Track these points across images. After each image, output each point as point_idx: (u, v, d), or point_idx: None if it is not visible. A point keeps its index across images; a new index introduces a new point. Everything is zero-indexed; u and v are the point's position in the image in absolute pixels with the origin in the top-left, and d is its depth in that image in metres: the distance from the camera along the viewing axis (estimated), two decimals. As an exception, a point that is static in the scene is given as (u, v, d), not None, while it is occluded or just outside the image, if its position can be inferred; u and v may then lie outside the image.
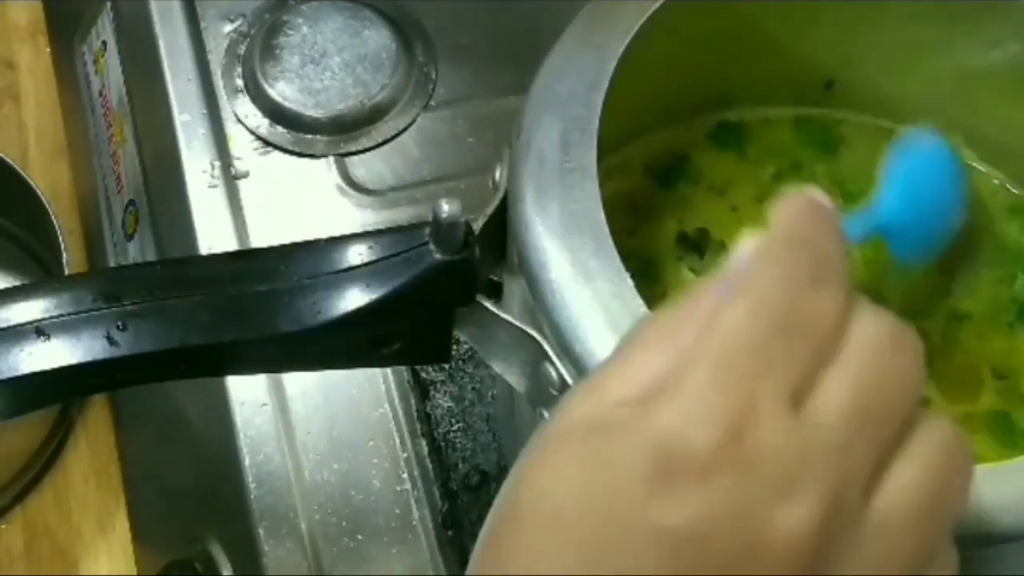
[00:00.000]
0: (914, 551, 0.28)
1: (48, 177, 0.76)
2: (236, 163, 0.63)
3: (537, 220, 0.39)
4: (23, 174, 0.68)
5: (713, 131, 0.53)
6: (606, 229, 0.38)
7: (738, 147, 0.52)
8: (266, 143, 0.64)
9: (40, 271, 0.72)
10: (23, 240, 0.73)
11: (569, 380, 0.38)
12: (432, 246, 0.40)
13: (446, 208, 0.38)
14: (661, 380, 0.28)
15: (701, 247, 0.49)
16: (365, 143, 0.64)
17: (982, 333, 0.49)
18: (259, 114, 0.65)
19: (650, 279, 0.49)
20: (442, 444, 0.55)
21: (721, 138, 0.52)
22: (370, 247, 0.40)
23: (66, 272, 0.64)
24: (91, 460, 0.68)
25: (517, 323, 0.40)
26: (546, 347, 0.38)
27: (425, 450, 0.55)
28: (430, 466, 0.55)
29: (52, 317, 0.38)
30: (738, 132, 0.53)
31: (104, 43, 0.73)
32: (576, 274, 0.38)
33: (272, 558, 0.53)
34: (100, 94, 0.73)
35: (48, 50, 0.82)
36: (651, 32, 0.43)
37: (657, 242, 0.50)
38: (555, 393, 0.39)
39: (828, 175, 0.52)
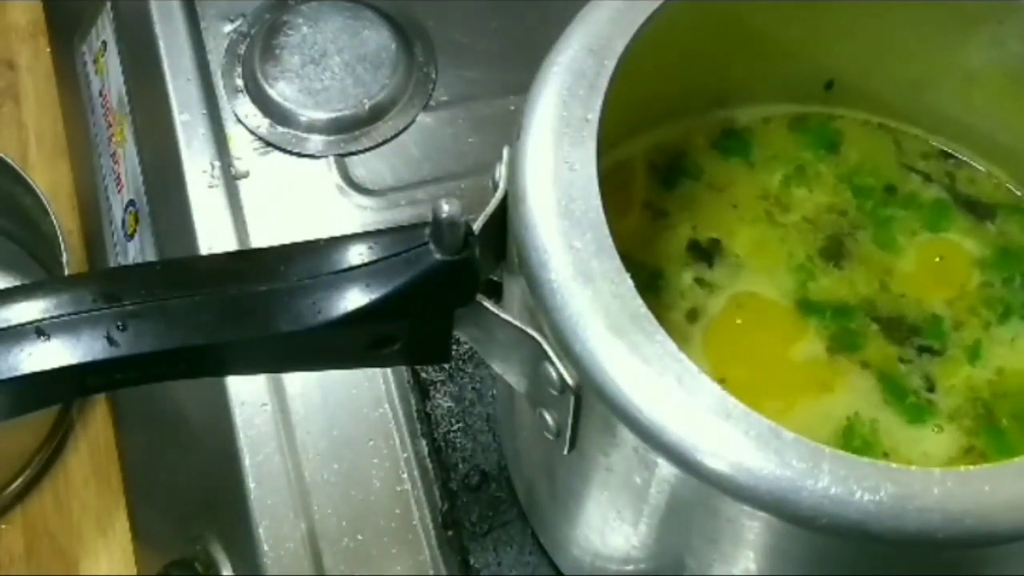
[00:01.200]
0: None
1: (48, 177, 0.76)
2: (236, 163, 0.63)
3: (537, 220, 0.39)
4: (23, 174, 0.68)
5: (717, 138, 0.53)
6: (606, 229, 0.38)
7: (743, 154, 0.52)
8: (266, 143, 0.64)
9: (40, 271, 0.72)
10: (23, 240, 0.73)
11: (569, 380, 0.38)
12: (432, 246, 0.40)
13: (446, 208, 0.38)
14: None
15: (711, 256, 0.50)
16: (365, 143, 0.64)
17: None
18: (259, 114, 0.65)
19: (656, 287, 0.49)
20: (442, 444, 0.55)
21: (725, 146, 0.53)
22: (370, 247, 0.40)
23: (66, 272, 0.64)
24: (91, 460, 0.68)
25: (517, 323, 0.40)
26: (546, 347, 0.38)
27: (425, 450, 0.55)
28: (430, 466, 0.55)
29: (52, 317, 0.38)
30: (742, 138, 0.53)
31: (104, 43, 0.73)
32: (576, 274, 0.38)
33: (272, 558, 0.53)
34: (100, 94, 0.73)
35: (48, 50, 0.82)
36: (651, 32, 0.43)
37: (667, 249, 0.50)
38: (555, 393, 0.39)
39: (833, 173, 0.52)
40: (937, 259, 0.51)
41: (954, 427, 0.46)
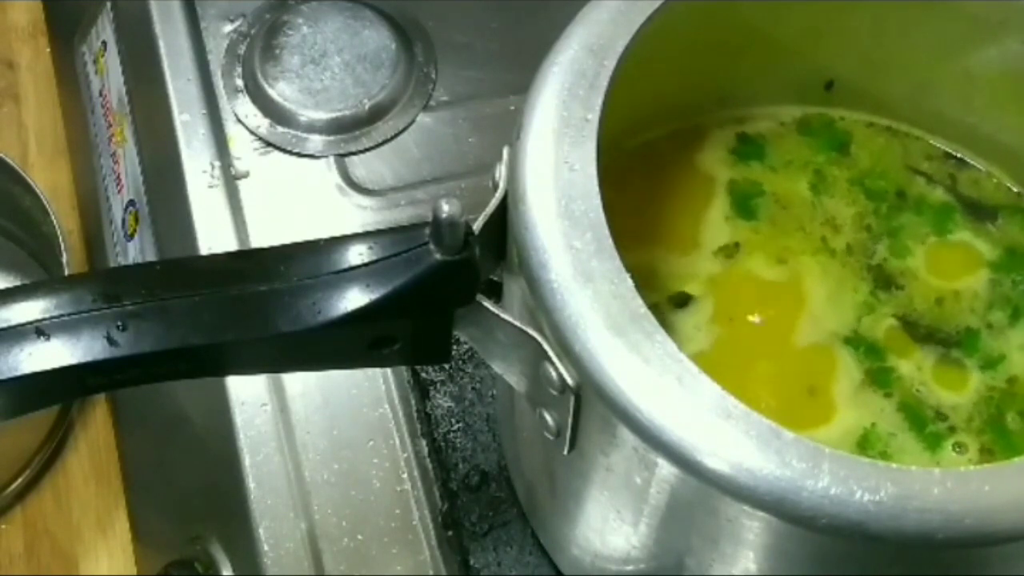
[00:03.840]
0: None
1: (48, 177, 0.76)
2: (236, 163, 0.63)
3: (537, 220, 0.39)
4: (23, 174, 0.68)
5: (735, 146, 0.53)
6: (606, 230, 0.38)
7: (759, 157, 0.52)
8: (266, 143, 0.64)
9: (40, 271, 0.72)
10: (23, 240, 0.73)
11: (569, 380, 0.38)
12: (432, 246, 0.40)
13: (446, 208, 0.38)
14: None
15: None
16: (365, 143, 0.64)
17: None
18: (259, 114, 0.65)
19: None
20: (442, 444, 0.55)
21: (743, 152, 0.52)
22: (370, 247, 0.40)
23: (66, 272, 0.64)
24: (91, 460, 0.68)
25: (517, 323, 0.40)
26: (546, 347, 0.38)
27: (425, 450, 0.55)
28: (430, 466, 0.55)
29: (52, 317, 0.38)
30: (758, 145, 0.53)
31: (104, 43, 0.73)
32: (576, 274, 0.38)
33: (272, 558, 0.53)
34: (100, 94, 0.73)
35: (48, 50, 0.82)
36: (651, 32, 0.43)
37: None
38: (555, 393, 0.39)
39: (847, 179, 0.52)
40: (954, 264, 0.50)
41: (972, 440, 0.46)
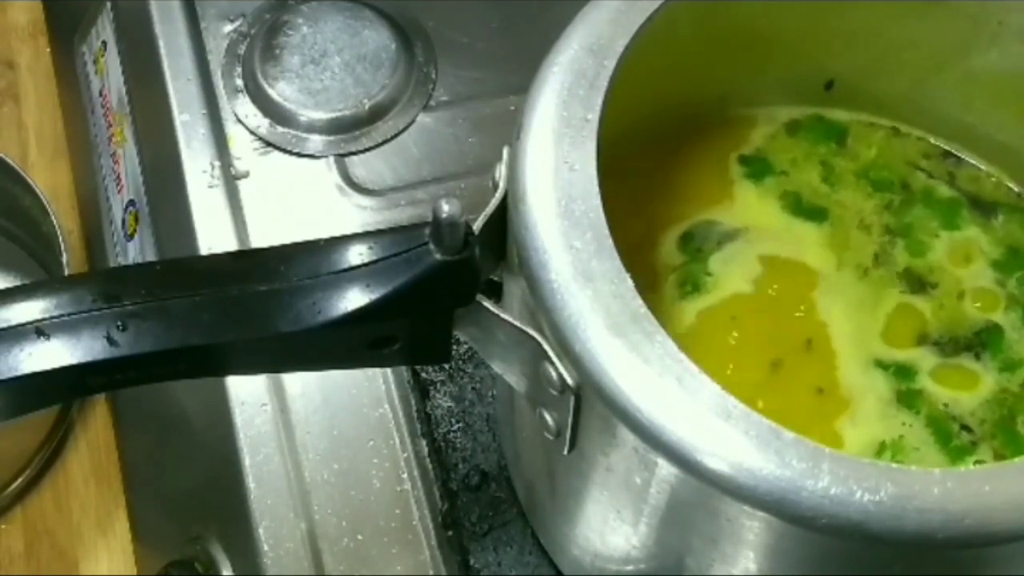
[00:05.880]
0: None
1: (48, 177, 0.76)
2: (236, 163, 0.63)
3: (537, 220, 0.39)
4: (23, 174, 0.68)
5: (740, 169, 0.53)
6: (606, 229, 0.38)
7: (770, 172, 0.52)
8: (266, 143, 0.64)
9: (40, 271, 0.72)
10: (23, 240, 0.73)
11: (569, 380, 0.38)
12: (432, 246, 0.40)
13: (446, 208, 0.38)
14: None
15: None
16: (365, 143, 0.64)
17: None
18: (259, 114, 0.65)
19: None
20: (442, 444, 0.55)
21: (749, 173, 0.52)
22: (370, 247, 0.40)
23: (66, 272, 0.64)
24: (91, 460, 0.68)
25: (517, 323, 0.40)
26: (546, 347, 0.38)
27: (425, 450, 0.55)
28: (430, 466, 0.55)
29: (52, 317, 0.38)
30: (761, 160, 0.53)
31: (104, 43, 0.73)
32: (576, 274, 0.38)
33: (272, 558, 0.53)
34: (100, 94, 0.73)
35: (48, 50, 0.82)
36: (651, 32, 0.43)
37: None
38: (555, 393, 0.39)
39: (851, 170, 0.52)
40: (965, 264, 0.50)
41: (987, 447, 0.46)
